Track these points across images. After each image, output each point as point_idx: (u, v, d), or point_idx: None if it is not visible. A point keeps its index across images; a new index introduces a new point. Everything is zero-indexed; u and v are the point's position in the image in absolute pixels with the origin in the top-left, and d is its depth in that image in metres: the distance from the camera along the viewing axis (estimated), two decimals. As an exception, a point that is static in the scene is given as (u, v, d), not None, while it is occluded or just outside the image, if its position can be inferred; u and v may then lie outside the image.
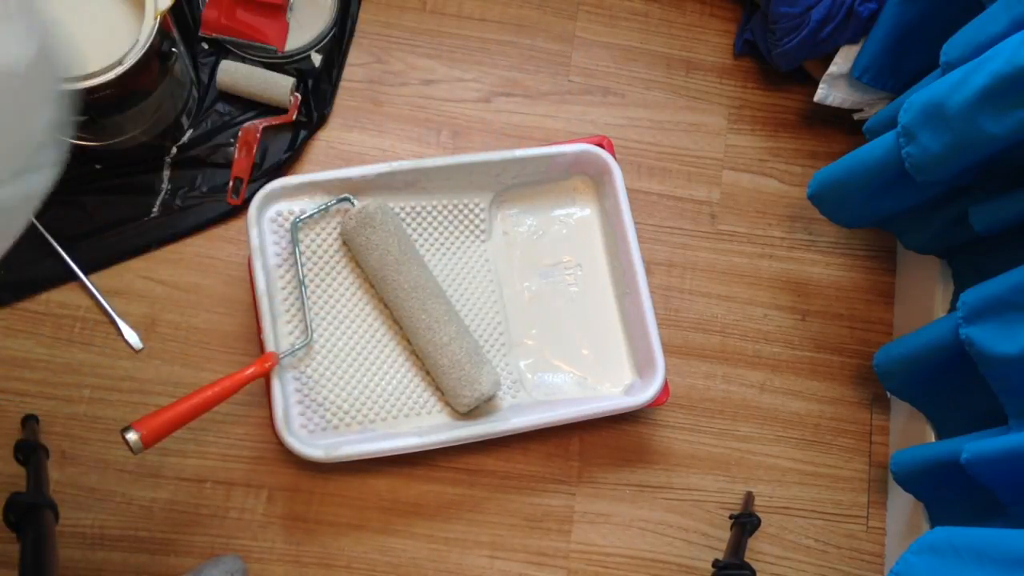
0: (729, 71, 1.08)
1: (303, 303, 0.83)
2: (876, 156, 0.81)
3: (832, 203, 0.91)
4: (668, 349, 0.95)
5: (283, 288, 0.83)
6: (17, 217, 0.32)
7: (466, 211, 0.92)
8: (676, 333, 0.99)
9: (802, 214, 1.04)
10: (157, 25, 0.81)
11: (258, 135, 0.95)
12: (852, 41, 0.93)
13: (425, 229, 0.91)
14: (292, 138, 0.96)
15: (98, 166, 0.93)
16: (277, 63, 0.98)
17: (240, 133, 0.95)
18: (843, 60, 0.93)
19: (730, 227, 1.03)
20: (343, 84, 1.00)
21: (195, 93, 0.96)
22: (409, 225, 0.90)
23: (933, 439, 0.89)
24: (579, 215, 0.96)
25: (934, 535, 0.64)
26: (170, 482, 0.87)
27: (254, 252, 0.81)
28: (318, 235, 0.86)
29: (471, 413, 0.85)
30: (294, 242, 0.84)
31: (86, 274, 0.90)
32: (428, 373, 0.86)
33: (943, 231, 0.87)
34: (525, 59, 1.04)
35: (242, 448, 0.88)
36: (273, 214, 0.84)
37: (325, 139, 0.98)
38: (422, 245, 0.90)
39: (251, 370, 0.77)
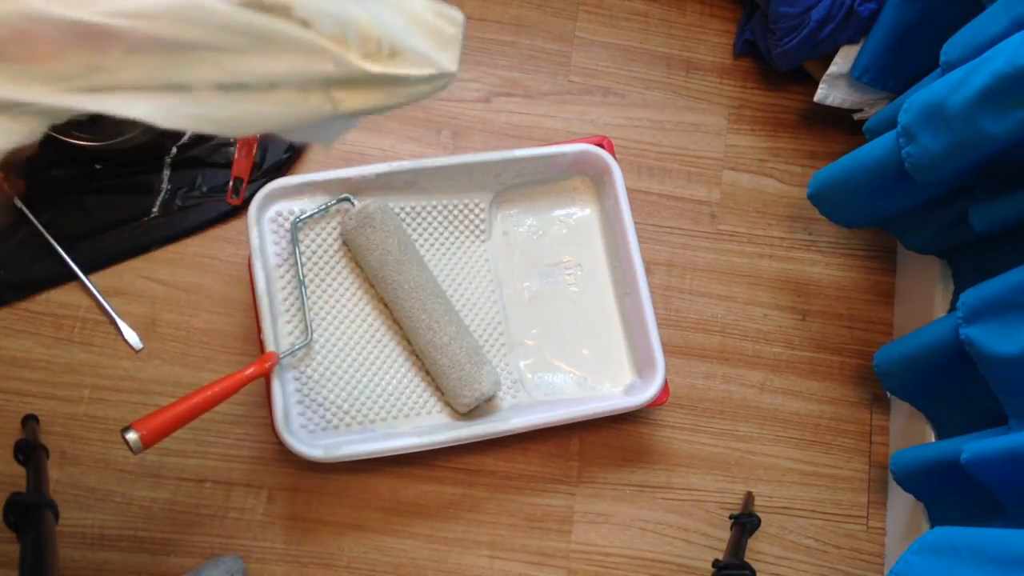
0: (729, 71, 1.08)
1: (303, 303, 0.83)
2: (876, 156, 0.81)
3: (832, 203, 0.91)
4: (668, 349, 0.95)
5: (283, 288, 0.83)
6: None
7: (466, 211, 0.92)
8: (676, 333, 0.99)
9: (802, 214, 1.04)
10: (157, 25, 0.81)
11: (258, 135, 0.95)
12: (852, 41, 0.93)
13: (425, 229, 0.91)
14: (292, 138, 0.96)
15: (98, 166, 0.93)
16: (277, 63, 0.98)
17: (240, 133, 0.95)
18: (843, 60, 0.93)
19: (730, 227, 1.03)
20: (343, 84, 1.00)
21: (195, 93, 0.96)
22: (409, 225, 0.90)
23: (933, 439, 0.89)
24: (579, 215, 0.96)
25: (934, 535, 0.64)
26: (170, 482, 0.87)
27: (254, 252, 0.81)
28: (318, 235, 0.86)
29: (471, 413, 0.85)
30: (294, 242, 0.84)
31: (86, 274, 0.90)
32: (428, 373, 0.86)
33: (943, 231, 0.87)
34: (525, 59, 1.04)
35: (242, 448, 0.88)
36: (273, 214, 0.84)
37: (325, 139, 0.98)
38: (422, 245, 0.90)
39: (251, 370, 0.77)
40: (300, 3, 0.31)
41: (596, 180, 0.95)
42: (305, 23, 0.31)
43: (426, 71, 0.36)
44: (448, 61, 0.37)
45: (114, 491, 0.86)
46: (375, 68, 0.33)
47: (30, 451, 0.79)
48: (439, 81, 0.37)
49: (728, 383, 0.98)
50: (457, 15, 0.37)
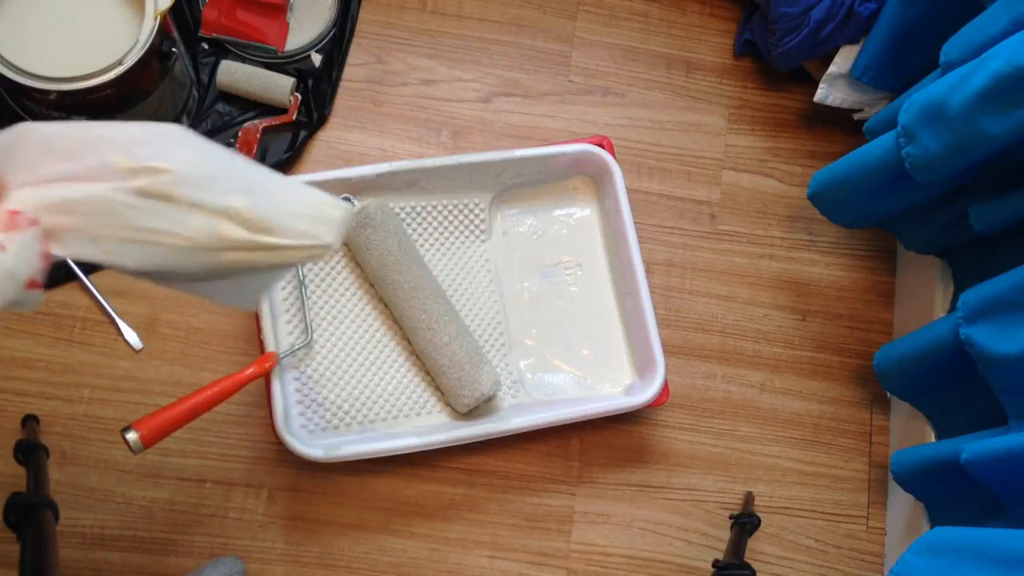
0: (729, 71, 1.08)
1: (303, 303, 0.83)
2: (876, 156, 0.81)
3: (832, 203, 0.91)
4: (668, 349, 0.95)
5: (283, 288, 0.83)
6: None
7: (466, 211, 0.92)
8: (676, 333, 0.99)
9: (802, 214, 1.04)
10: (157, 25, 0.81)
11: (258, 135, 0.95)
12: (852, 41, 0.93)
13: (425, 229, 0.91)
14: (292, 138, 0.96)
15: (98, 166, 0.92)
16: (277, 63, 0.98)
17: (240, 133, 0.95)
18: (843, 60, 0.93)
19: (730, 227, 1.03)
20: (343, 84, 1.00)
21: (195, 93, 0.96)
22: (409, 225, 0.90)
23: (933, 439, 0.89)
24: (579, 215, 0.96)
25: (934, 535, 0.64)
26: (170, 482, 0.87)
27: (254, 252, 0.81)
28: (318, 235, 0.86)
29: (471, 413, 0.85)
30: (294, 242, 0.83)
31: (86, 274, 0.90)
32: (428, 373, 0.86)
33: (943, 231, 0.87)
34: (525, 59, 1.04)
35: (242, 448, 0.88)
36: (273, 214, 0.84)
37: (325, 139, 0.98)
38: (422, 245, 0.90)
39: (251, 370, 0.77)
40: (182, 192, 0.44)
41: (596, 180, 0.95)
42: (191, 205, 0.44)
43: (300, 242, 0.47)
44: (327, 236, 0.48)
45: (114, 491, 0.86)
46: (249, 235, 0.45)
47: (30, 451, 0.79)
48: (314, 251, 0.48)
49: (728, 383, 0.98)
50: (343, 205, 0.50)
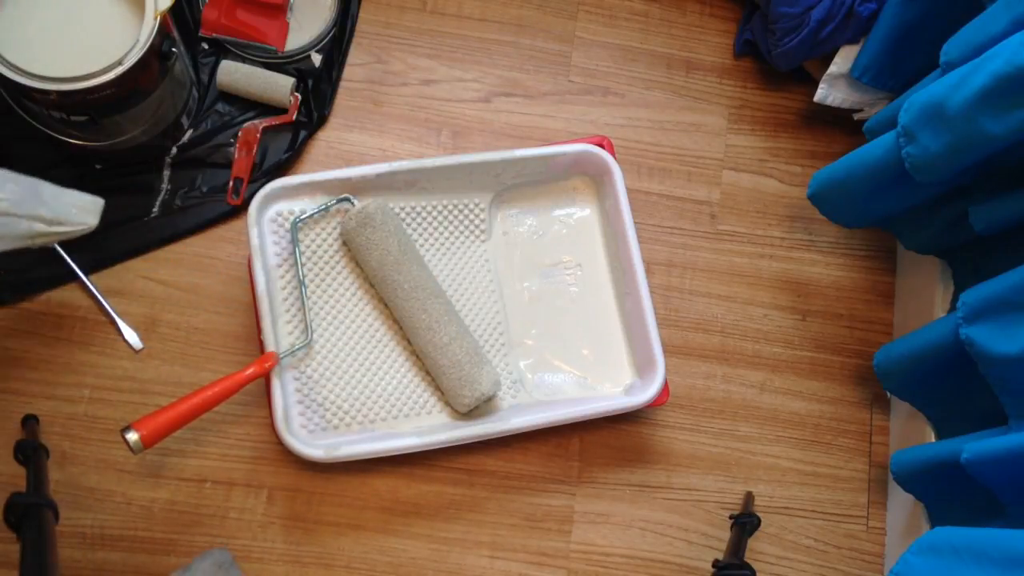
0: (729, 71, 1.08)
1: (303, 303, 0.83)
2: (876, 156, 0.81)
3: (832, 203, 0.91)
4: (668, 349, 0.95)
5: (283, 288, 0.83)
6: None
7: (466, 211, 0.92)
8: (676, 333, 0.99)
9: (802, 214, 1.04)
10: (157, 25, 0.81)
11: (258, 135, 0.95)
12: (852, 41, 0.93)
13: (425, 229, 0.91)
14: (292, 138, 0.96)
15: (98, 166, 0.93)
16: (277, 63, 0.98)
17: (240, 133, 0.95)
18: (843, 60, 0.93)
19: (730, 227, 1.03)
20: (343, 84, 1.00)
21: (195, 93, 0.96)
22: (409, 225, 0.90)
23: (933, 439, 0.89)
24: (579, 215, 0.96)
25: (934, 535, 0.64)
26: (170, 482, 0.87)
27: (254, 252, 0.81)
28: (318, 235, 0.86)
29: (471, 413, 0.85)
30: (294, 242, 0.84)
31: (86, 274, 0.90)
32: (428, 373, 0.87)
33: (943, 231, 0.87)
34: (525, 59, 1.04)
35: (242, 448, 0.88)
36: (273, 214, 0.84)
37: (325, 139, 0.98)
38: (422, 245, 0.90)
39: (251, 370, 0.77)
40: (13, 210, 0.72)
41: (596, 180, 0.95)
42: (18, 217, 0.72)
43: (79, 227, 0.77)
44: (92, 220, 0.77)
45: (114, 491, 0.86)
46: (49, 228, 0.75)
47: (30, 451, 0.79)
48: (86, 229, 0.77)
49: (728, 383, 0.98)
50: (99, 200, 0.78)
